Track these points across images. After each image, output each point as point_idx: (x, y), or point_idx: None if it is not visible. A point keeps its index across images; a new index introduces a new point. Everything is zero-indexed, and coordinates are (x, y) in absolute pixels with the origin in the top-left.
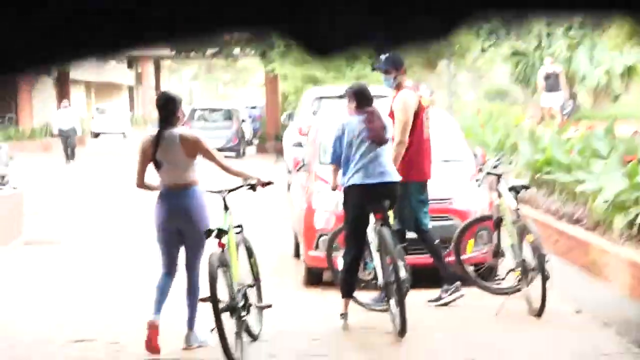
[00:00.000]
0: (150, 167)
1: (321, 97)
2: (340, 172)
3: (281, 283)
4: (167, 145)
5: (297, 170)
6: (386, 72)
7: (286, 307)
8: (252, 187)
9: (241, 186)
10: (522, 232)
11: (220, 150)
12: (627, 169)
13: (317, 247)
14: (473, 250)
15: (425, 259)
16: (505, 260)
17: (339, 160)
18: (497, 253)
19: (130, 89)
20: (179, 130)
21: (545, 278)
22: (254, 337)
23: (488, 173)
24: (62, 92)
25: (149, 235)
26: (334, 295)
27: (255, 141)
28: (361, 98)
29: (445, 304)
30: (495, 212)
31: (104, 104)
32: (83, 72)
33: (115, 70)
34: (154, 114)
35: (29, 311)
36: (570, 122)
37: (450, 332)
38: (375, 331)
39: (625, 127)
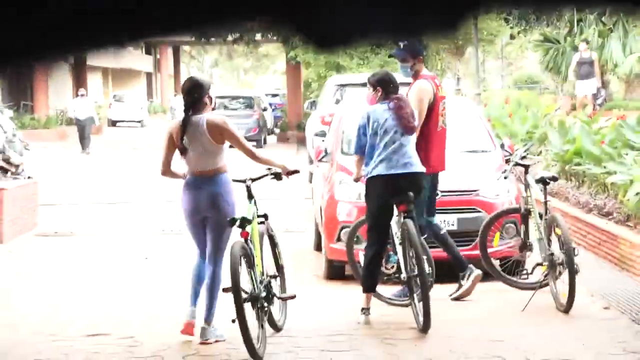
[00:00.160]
0: (177, 155)
1: (344, 85)
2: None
3: (301, 277)
4: (194, 132)
5: (319, 160)
6: (403, 61)
7: (306, 302)
8: (277, 176)
9: (265, 175)
10: (550, 225)
11: None
12: None
13: (339, 239)
14: (499, 244)
15: (443, 252)
16: (533, 254)
17: (363, 151)
18: (524, 247)
19: (149, 75)
20: (205, 115)
21: (573, 273)
22: (277, 329)
23: (516, 164)
24: (79, 79)
25: (166, 227)
26: (356, 290)
27: (277, 130)
28: (387, 85)
29: (467, 292)
30: (522, 204)
31: (122, 91)
32: (100, 58)
33: (132, 57)
34: (173, 102)
35: (42, 304)
36: (602, 111)
37: (475, 327)
38: (397, 326)
39: None
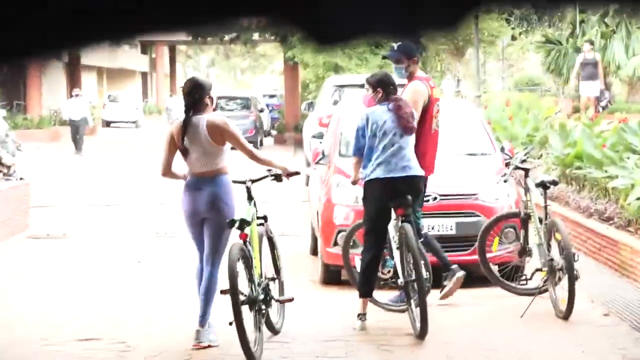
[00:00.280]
0: (178, 155)
1: (343, 86)
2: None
3: (297, 281)
4: (194, 133)
5: (317, 162)
6: (398, 62)
7: (302, 307)
8: (277, 178)
9: (266, 176)
10: (550, 230)
11: None
12: None
13: (335, 243)
14: (498, 249)
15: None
16: (532, 260)
17: (361, 153)
18: (524, 252)
19: (144, 75)
20: (206, 116)
21: (573, 279)
22: (275, 332)
23: (516, 167)
24: (73, 78)
25: (160, 229)
26: (352, 295)
27: (274, 132)
28: (387, 86)
29: (450, 292)
30: (522, 208)
31: (116, 91)
32: (95, 57)
33: (128, 56)
34: (169, 102)
35: (33, 308)
36: (604, 114)
37: (473, 334)
38: (394, 332)
39: None
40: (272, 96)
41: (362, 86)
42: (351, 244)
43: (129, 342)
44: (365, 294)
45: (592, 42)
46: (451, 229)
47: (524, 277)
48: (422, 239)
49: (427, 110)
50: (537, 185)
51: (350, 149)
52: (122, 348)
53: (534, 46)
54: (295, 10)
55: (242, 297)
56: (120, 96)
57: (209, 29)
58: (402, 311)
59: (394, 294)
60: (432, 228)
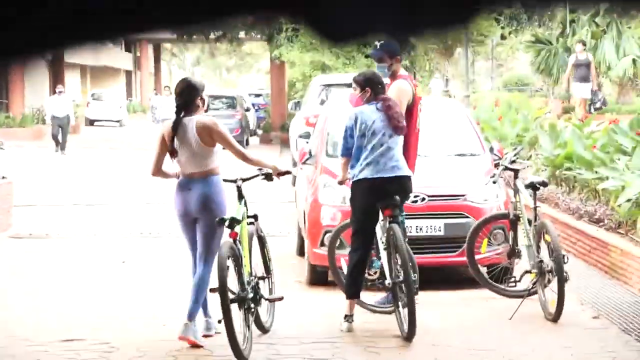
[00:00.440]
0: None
1: (330, 85)
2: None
3: (284, 282)
4: (184, 133)
5: (303, 162)
6: (380, 61)
7: (289, 308)
8: (268, 177)
9: (256, 175)
10: (540, 231)
11: None
12: None
13: (322, 244)
14: (487, 250)
15: (432, 258)
16: (521, 262)
17: (350, 153)
18: (513, 253)
19: (128, 73)
20: (196, 117)
21: (562, 281)
22: (264, 330)
23: (505, 168)
24: (56, 76)
25: (144, 230)
26: (339, 296)
27: (260, 131)
28: (375, 85)
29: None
30: (511, 210)
31: (100, 90)
32: (78, 55)
33: (111, 54)
34: (154, 101)
35: (15, 308)
36: (594, 115)
37: (461, 336)
38: (381, 334)
39: None
40: (258, 95)
41: (349, 85)
42: (338, 244)
43: (113, 343)
44: (352, 295)
45: (584, 43)
46: (439, 230)
47: (512, 279)
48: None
49: (411, 110)
50: (527, 186)
51: (338, 149)
52: (105, 349)
53: (523, 46)
54: (303, 6)
55: (231, 296)
56: (104, 95)
57: (210, 27)
58: (389, 313)
59: (380, 295)
60: (421, 229)
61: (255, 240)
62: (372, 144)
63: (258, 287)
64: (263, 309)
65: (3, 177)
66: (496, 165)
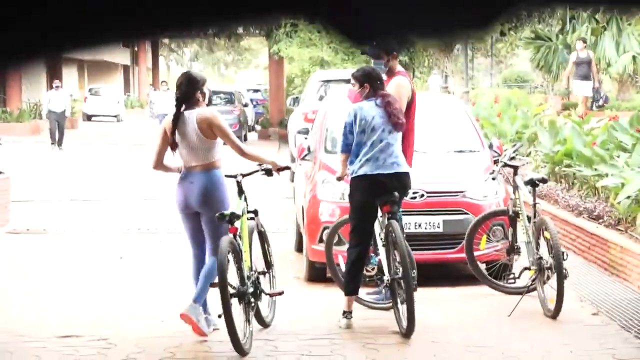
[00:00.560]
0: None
1: (329, 81)
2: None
3: (282, 279)
4: (185, 126)
5: (302, 158)
6: (377, 57)
7: (287, 304)
8: (268, 172)
9: (256, 171)
10: (539, 228)
11: None
12: None
13: (321, 240)
14: (486, 247)
15: (431, 255)
16: (520, 258)
17: (350, 149)
18: (512, 250)
19: (126, 69)
20: (196, 110)
21: (562, 277)
22: (265, 325)
23: (504, 165)
24: (54, 71)
25: (142, 225)
26: (338, 292)
27: (258, 127)
28: (375, 81)
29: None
30: (510, 206)
31: (98, 85)
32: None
33: (109, 49)
34: (152, 96)
35: (12, 304)
36: (594, 112)
37: (460, 333)
38: (380, 331)
39: None
40: (256, 91)
41: (348, 81)
42: (337, 241)
43: (111, 339)
44: (351, 291)
45: (584, 40)
46: (438, 227)
47: (512, 276)
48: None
49: (410, 106)
50: (526, 183)
51: (337, 145)
52: (103, 345)
53: (523, 42)
54: (324, 5)
55: (231, 290)
56: (102, 90)
57: (236, 24)
58: (387, 309)
59: (375, 291)
60: (419, 225)
61: (255, 236)
62: (371, 140)
63: (258, 282)
64: (264, 304)
65: (0, 173)
66: (495, 162)
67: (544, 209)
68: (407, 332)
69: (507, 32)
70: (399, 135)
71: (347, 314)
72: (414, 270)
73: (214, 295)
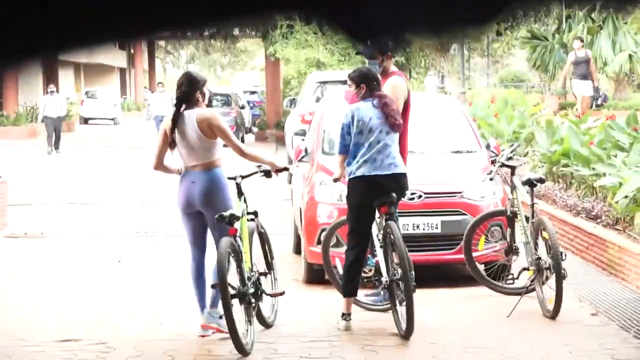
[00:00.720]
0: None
1: (325, 82)
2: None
3: (280, 281)
4: (184, 126)
5: (299, 160)
6: (371, 57)
7: (285, 306)
8: (266, 174)
9: (255, 172)
10: (537, 228)
11: None
12: None
13: (319, 242)
14: (484, 248)
15: (429, 256)
16: (519, 259)
17: (347, 150)
18: (510, 251)
19: (122, 71)
20: (196, 110)
21: (560, 277)
22: (267, 325)
23: (502, 165)
24: (50, 74)
25: (140, 228)
26: (336, 294)
27: (255, 129)
28: (371, 82)
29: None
30: (508, 207)
31: (94, 88)
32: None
33: (105, 52)
34: (149, 98)
35: (11, 308)
36: (591, 112)
37: (459, 334)
38: (378, 332)
39: None
40: (253, 93)
41: (344, 82)
42: (335, 242)
43: (110, 343)
44: (349, 293)
45: (582, 39)
46: (436, 228)
47: (510, 276)
48: None
49: (406, 106)
50: (524, 183)
51: (334, 147)
52: (102, 349)
53: (519, 42)
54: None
55: (232, 291)
56: (98, 92)
57: (238, 24)
58: (384, 310)
59: (372, 292)
60: (417, 227)
61: (256, 237)
62: (369, 141)
63: (259, 283)
64: (266, 305)
65: None
66: (493, 162)
67: (542, 209)
68: (406, 334)
69: (503, 32)
70: (396, 136)
71: (346, 316)
72: (412, 272)
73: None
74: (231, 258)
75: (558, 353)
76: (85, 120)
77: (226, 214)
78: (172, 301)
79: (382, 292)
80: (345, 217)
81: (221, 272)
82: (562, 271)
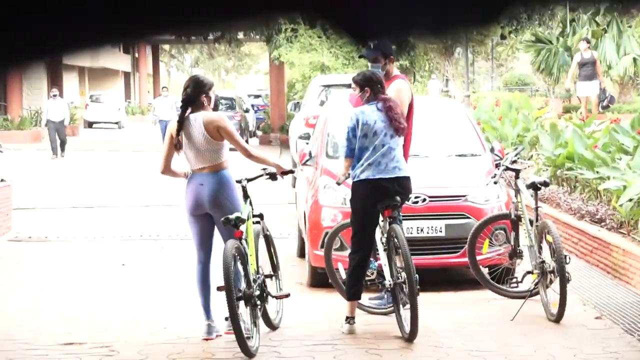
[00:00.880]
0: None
1: (329, 86)
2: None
3: (284, 284)
4: (191, 129)
5: (303, 163)
6: (374, 61)
7: (290, 310)
8: (272, 177)
9: (261, 175)
10: (541, 232)
11: None
12: None
13: (322, 245)
14: (488, 251)
15: (434, 259)
16: (523, 262)
17: (353, 154)
18: (514, 254)
19: (127, 75)
20: (202, 113)
21: (564, 281)
22: (273, 328)
23: (506, 168)
24: (54, 78)
25: (144, 232)
26: (340, 298)
27: (259, 132)
28: (375, 85)
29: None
30: (512, 210)
31: (99, 92)
32: (76, 57)
33: (110, 56)
34: (155, 102)
35: (15, 311)
36: (595, 115)
37: (463, 337)
38: (382, 336)
39: None
40: (257, 96)
41: (349, 86)
42: (339, 246)
43: (113, 347)
44: (353, 296)
45: (588, 40)
46: (440, 231)
47: (514, 280)
48: None
49: (410, 109)
50: (528, 186)
51: (339, 150)
52: (106, 352)
53: (523, 45)
54: (329, 5)
55: (237, 293)
56: (102, 96)
57: (243, 25)
58: (387, 314)
59: (374, 296)
60: (422, 230)
61: (261, 239)
62: (374, 145)
63: (265, 285)
64: (272, 307)
65: (2, 180)
66: (497, 166)
67: (546, 212)
68: (409, 337)
69: (507, 36)
70: (401, 139)
71: (350, 319)
72: (415, 275)
73: (220, 299)
74: (237, 260)
75: (562, 356)
76: (89, 124)
77: (232, 216)
78: (176, 304)
79: (385, 296)
80: (347, 220)
81: (227, 275)
82: (566, 274)
